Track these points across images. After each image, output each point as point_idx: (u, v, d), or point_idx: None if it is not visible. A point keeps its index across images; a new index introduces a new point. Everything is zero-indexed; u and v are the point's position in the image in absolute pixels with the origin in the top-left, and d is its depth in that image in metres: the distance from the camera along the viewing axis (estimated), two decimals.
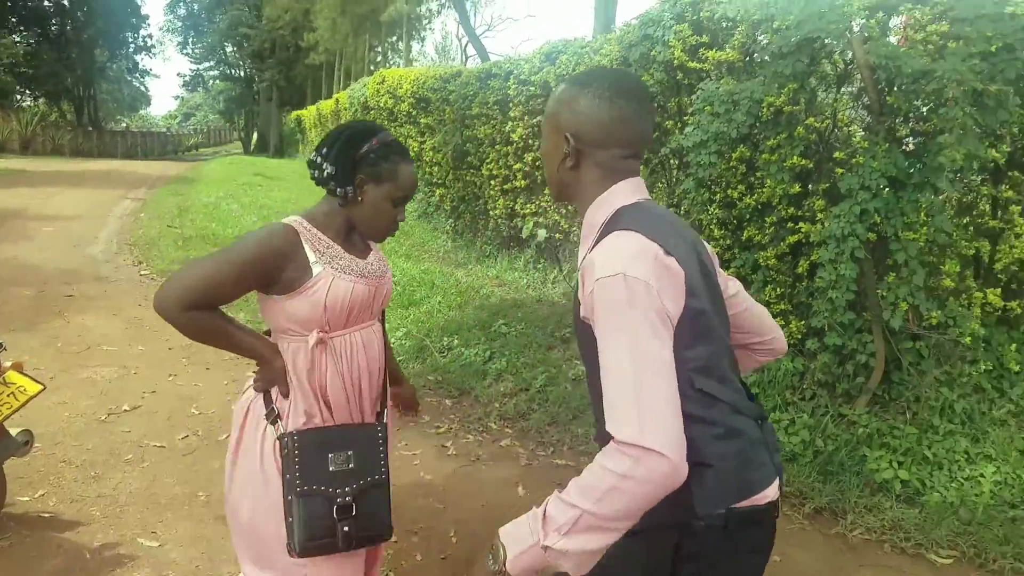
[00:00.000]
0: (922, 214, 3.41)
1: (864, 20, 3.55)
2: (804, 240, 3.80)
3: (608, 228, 1.26)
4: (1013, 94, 3.33)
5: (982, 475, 3.19)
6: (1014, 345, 3.65)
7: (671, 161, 5.21)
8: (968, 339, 3.55)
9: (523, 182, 7.07)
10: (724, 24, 4.46)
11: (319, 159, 1.69)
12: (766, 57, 3.84)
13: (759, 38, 4.15)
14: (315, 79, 37.41)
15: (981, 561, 2.78)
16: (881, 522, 3.01)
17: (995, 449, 3.31)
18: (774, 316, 3.98)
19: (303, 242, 1.65)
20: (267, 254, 1.59)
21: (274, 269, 1.61)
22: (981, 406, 3.50)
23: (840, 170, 3.58)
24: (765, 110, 3.79)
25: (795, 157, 3.73)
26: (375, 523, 1.70)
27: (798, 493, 3.27)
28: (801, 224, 3.77)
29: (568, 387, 4.38)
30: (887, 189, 3.42)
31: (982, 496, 3.07)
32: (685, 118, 4.65)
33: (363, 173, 1.67)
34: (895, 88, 3.40)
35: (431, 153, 9.36)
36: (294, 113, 31.41)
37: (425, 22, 35.79)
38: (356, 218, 1.72)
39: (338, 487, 1.65)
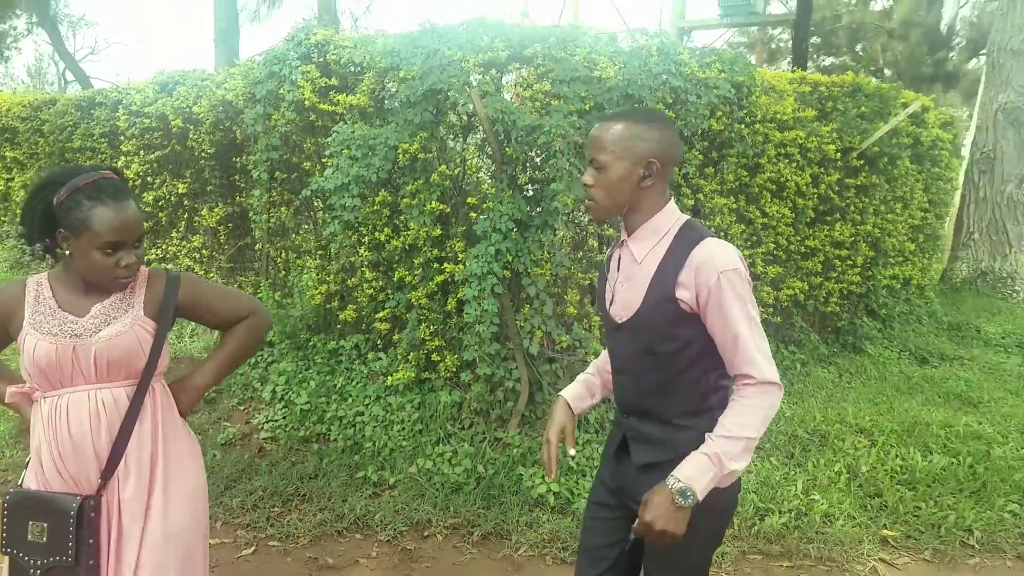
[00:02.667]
0: (545, 252, 3.84)
1: (480, 76, 3.88)
2: (450, 279, 4.01)
3: (688, 234, 1.66)
4: None
5: None
6: None
7: (315, 202, 5.12)
8: (592, 357, 4.08)
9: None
10: (351, 68, 4.53)
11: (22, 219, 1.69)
12: (396, 104, 3.97)
13: (388, 85, 4.29)
14: None
15: None
16: (540, 536, 3.30)
17: None
18: (430, 353, 4.18)
19: (25, 299, 1.68)
20: None
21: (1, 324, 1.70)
22: (608, 414, 4.06)
23: (474, 214, 3.86)
24: (401, 156, 3.92)
25: (433, 202, 3.93)
26: None
27: (466, 523, 3.42)
28: (446, 264, 3.98)
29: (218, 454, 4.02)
30: (515, 231, 3.78)
31: None
32: (324, 160, 4.60)
33: (61, 227, 1.63)
34: (512, 140, 3.77)
35: (20, 192, 7.92)
36: None
37: (10, 41, 30.07)
38: (77, 272, 1.69)
39: (32, 557, 1.67)
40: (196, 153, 5.57)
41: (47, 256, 1.69)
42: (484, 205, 3.78)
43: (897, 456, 3.97)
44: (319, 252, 4.96)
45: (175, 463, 1.80)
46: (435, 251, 4.05)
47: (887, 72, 21.11)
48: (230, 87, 5.23)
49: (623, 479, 1.81)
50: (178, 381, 1.89)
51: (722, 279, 1.58)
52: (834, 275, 5.84)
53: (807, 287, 5.59)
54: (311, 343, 4.87)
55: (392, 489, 3.71)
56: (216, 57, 11.11)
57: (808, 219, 5.52)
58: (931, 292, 7.60)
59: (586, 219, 4.31)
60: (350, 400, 4.35)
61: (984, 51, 23.24)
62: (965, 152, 9.26)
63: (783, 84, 5.52)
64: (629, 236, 1.74)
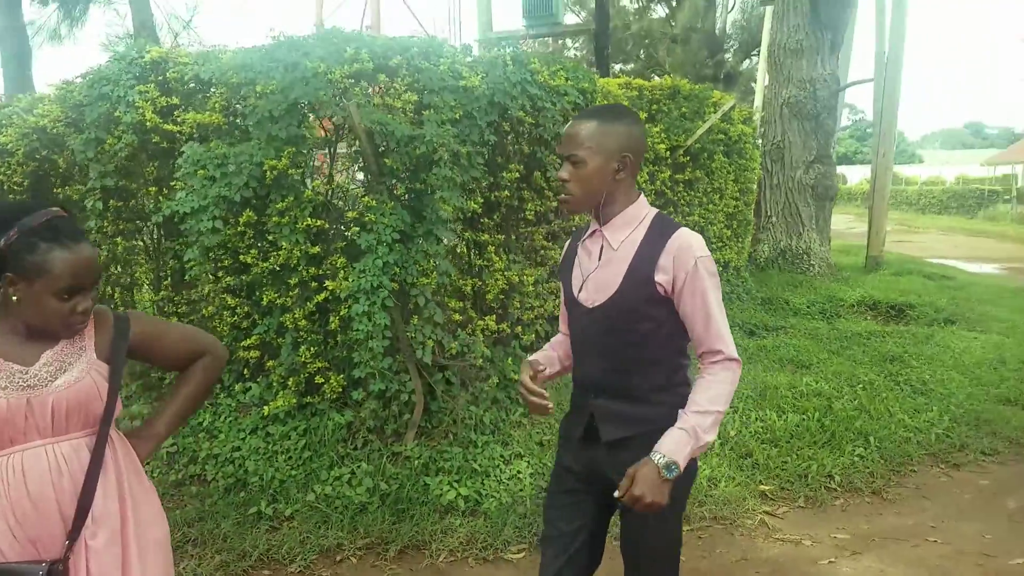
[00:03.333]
0: (431, 261, 3.86)
1: (346, 88, 3.82)
2: (331, 297, 3.91)
3: (661, 224, 1.80)
4: (475, 155, 4.03)
5: (519, 472, 3.78)
6: (509, 359, 4.42)
7: (155, 232, 4.74)
8: (479, 361, 4.16)
9: None
10: (194, 86, 4.27)
11: None
12: (255, 120, 3.80)
13: (243, 101, 4.09)
14: None
15: None
16: (458, 541, 3.31)
17: (521, 448, 3.96)
18: (312, 375, 4.04)
19: None
20: None
21: None
22: (501, 415, 4.15)
23: (355, 228, 3.79)
24: (268, 173, 3.77)
25: (307, 219, 3.81)
26: None
27: (379, 541, 3.35)
28: (327, 282, 3.87)
29: None
30: (398, 243, 3.76)
31: (525, 490, 3.65)
32: (173, 183, 4.29)
33: (9, 271, 1.48)
34: (391, 151, 3.75)
35: None
36: None
37: None
38: (23, 319, 1.54)
39: None
40: (4, 187, 4.95)
41: None
42: (366, 218, 3.73)
43: (757, 419, 4.42)
44: (165, 283, 4.62)
45: (145, 512, 1.68)
46: (312, 269, 3.93)
47: (674, 76, 23.08)
48: (43, 112, 4.72)
49: (592, 460, 1.89)
50: (135, 430, 1.76)
51: (699, 264, 1.73)
52: None
53: None
54: (165, 381, 4.52)
55: (291, 520, 3.54)
56: (5, 83, 9.93)
57: None
58: (745, 272, 8.47)
59: (459, 227, 4.36)
60: (222, 436, 4.09)
61: (755, 52, 26.11)
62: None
63: (616, 90, 5.92)
64: (603, 225, 1.84)
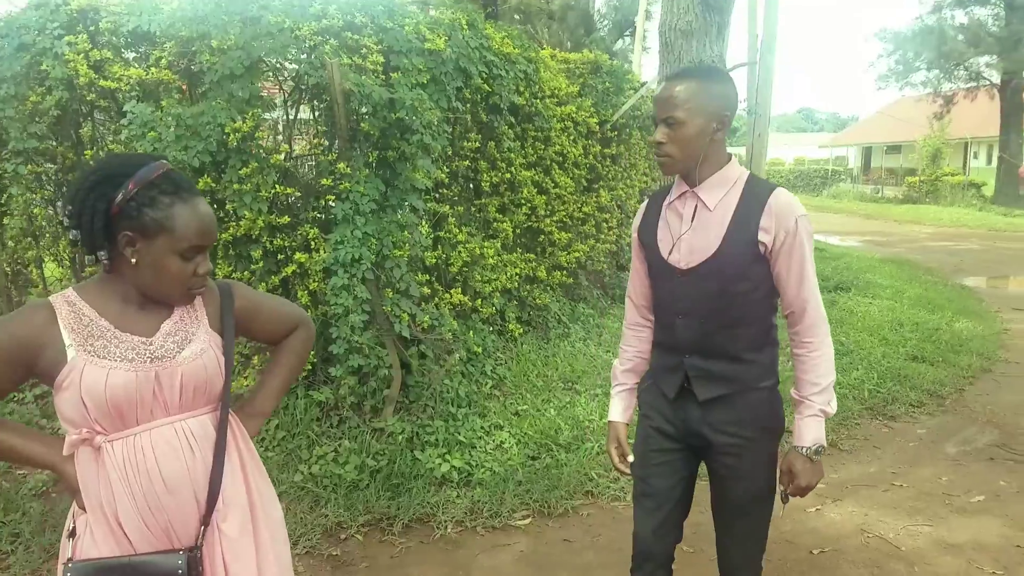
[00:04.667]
0: (405, 232, 3.74)
1: (315, 45, 3.60)
2: (298, 270, 3.70)
3: (757, 182, 1.81)
4: (442, 122, 3.94)
5: (503, 443, 3.78)
6: (471, 332, 4.38)
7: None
8: (450, 335, 4.10)
9: None
10: (131, 39, 3.88)
11: (66, 220, 1.35)
12: (215, 79, 3.51)
13: (193, 58, 3.75)
14: None
15: (548, 511, 3.33)
16: (462, 511, 3.28)
17: (500, 419, 3.95)
18: None
19: (60, 322, 1.33)
20: (8, 343, 1.30)
21: (21, 359, 1.31)
22: (473, 387, 4.11)
23: (331, 197, 3.60)
24: (232, 136, 3.50)
25: (275, 186, 3.58)
26: None
27: (382, 517, 3.25)
28: (297, 254, 3.66)
29: None
30: (373, 213, 3.62)
31: (514, 459, 3.65)
32: (109, 145, 3.89)
33: (126, 229, 1.31)
34: (368, 116, 3.58)
35: None
36: None
37: None
38: (138, 284, 1.37)
39: None
40: None
41: (107, 265, 1.35)
42: (341, 186, 3.55)
43: None
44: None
45: (266, 492, 1.56)
46: (278, 240, 3.70)
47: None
48: None
49: (687, 419, 1.89)
50: (239, 407, 1.60)
51: (799, 223, 1.74)
52: (602, 236, 6.50)
53: (588, 248, 6.16)
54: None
55: (281, 501, 3.36)
56: None
57: (583, 187, 6.07)
58: None
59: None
60: None
61: (629, 32, 26.88)
62: None
63: (549, 60, 5.95)
64: (697, 186, 1.81)
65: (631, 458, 1.97)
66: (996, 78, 23.41)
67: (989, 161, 29.20)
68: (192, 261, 1.37)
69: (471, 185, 4.78)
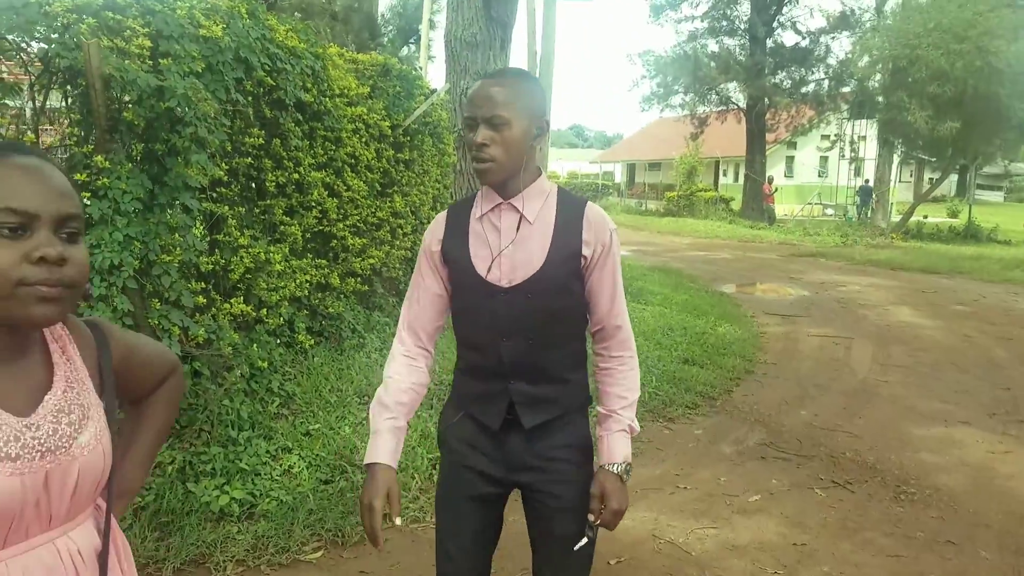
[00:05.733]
0: (176, 235, 3.32)
1: (69, 23, 3.08)
2: None
3: (567, 194, 1.73)
4: (222, 114, 3.57)
5: (292, 467, 3.47)
6: (255, 345, 4.00)
7: None
8: (229, 349, 3.71)
9: None
10: None
11: None
12: None
13: None
14: None
15: (343, 540, 3.08)
16: (244, 548, 2.94)
17: (288, 441, 3.62)
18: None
19: None
20: None
21: None
22: (257, 407, 3.74)
23: (87, 194, 3.08)
24: None
25: None
26: None
27: (150, 560, 2.79)
28: None
29: None
30: (138, 213, 3.17)
31: (304, 484, 3.36)
32: None
33: None
34: (130, 104, 3.12)
35: None
36: None
37: None
38: None
39: None
40: None
41: None
42: (99, 182, 3.05)
43: None
44: None
45: None
46: None
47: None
48: None
49: (510, 452, 1.75)
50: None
51: (613, 236, 1.71)
52: (397, 242, 6.32)
53: (383, 255, 5.95)
54: None
55: None
56: None
57: (376, 191, 5.85)
58: None
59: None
60: None
61: (414, 39, 26.83)
62: None
63: (337, 59, 5.67)
64: (513, 197, 1.69)
65: (399, 521, 1.65)
66: (743, 103, 26.25)
67: (736, 178, 33.04)
68: (16, 241, 0.91)
69: (254, 185, 4.38)
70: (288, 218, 4.57)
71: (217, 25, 3.64)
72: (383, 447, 1.66)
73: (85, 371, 1.07)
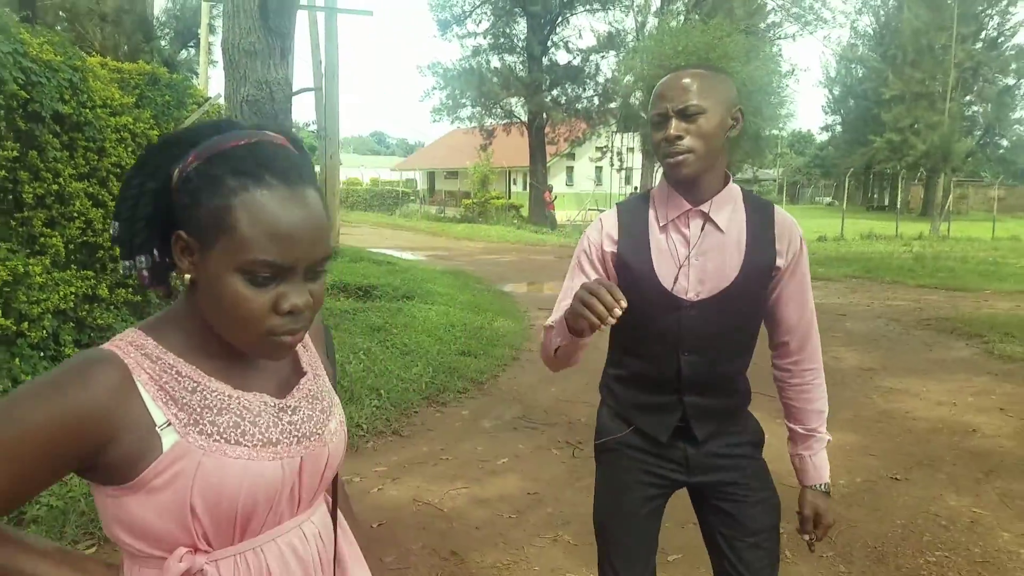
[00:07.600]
0: None
1: None
2: None
3: (751, 196, 1.61)
4: None
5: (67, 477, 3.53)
6: (17, 360, 3.97)
7: None
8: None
9: None
10: None
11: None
12: None
13: None
14: None
15: None
16: None
17: None
18: None
19: (140, 387, 0.85)
20: (55, 424, 0.80)
21: (76, 447, 0.82)
22: None
23: None
24: None
25: None
26: None
27: None
28: None
29: None
30: None
31: (76, 488, 3.45)
32: None
33: (182, 226, 0.86)
34: None
35: None
36: None
37: None
38: (207, 316, 0.90)
39: None
40: None
41: (161, 288, 0.94)
42: None
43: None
44: None
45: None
46: None
47: (108, 57, 21.20)
48: None
49: (689, 454, 1.68)
50: None
51: (802, 242, 1.60)
52: None
53: None
54: None
55: None
56: None
57: None
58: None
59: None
60: None
61: (192, 43, 25.49)
62: None
63: (99, 70, 5.61)
64: (702, 203, 1.57)
65: (624, 303, 1.31)
66: (525, 116, 27.80)
67: (525, 186, 34.96)
68: (267, 288, 0.86)
69: (11, 197, 4.31)
70: (49, 229, 4.53)
71: None
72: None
73: (317, 357, 1.09)
